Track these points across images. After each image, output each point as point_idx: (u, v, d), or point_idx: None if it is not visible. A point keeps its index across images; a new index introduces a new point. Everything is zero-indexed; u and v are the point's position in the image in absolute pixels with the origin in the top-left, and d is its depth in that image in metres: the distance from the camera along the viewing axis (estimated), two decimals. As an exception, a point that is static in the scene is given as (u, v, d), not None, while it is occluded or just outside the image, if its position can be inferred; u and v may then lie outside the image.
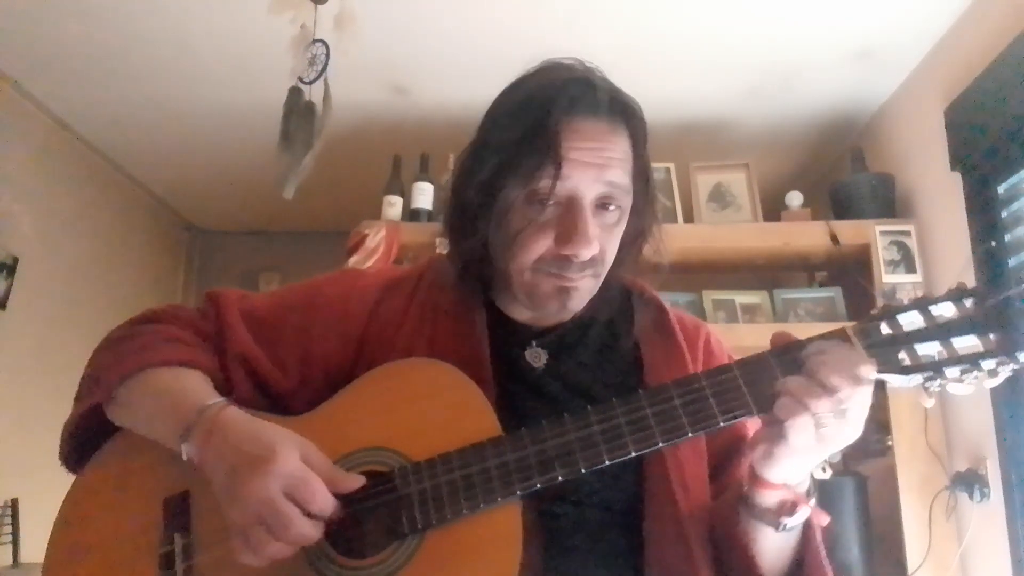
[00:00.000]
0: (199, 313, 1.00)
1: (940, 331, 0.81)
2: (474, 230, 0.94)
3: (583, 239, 0.87)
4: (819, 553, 0.88)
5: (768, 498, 0.83)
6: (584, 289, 0.92)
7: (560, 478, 0.81)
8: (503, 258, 0.93)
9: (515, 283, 0.94)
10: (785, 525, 0.83)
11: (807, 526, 0.88)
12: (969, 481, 2.11)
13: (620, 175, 0.90)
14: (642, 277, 1.05)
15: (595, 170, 0.88)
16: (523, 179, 0.88)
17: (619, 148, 0.90)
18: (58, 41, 2.45)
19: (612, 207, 0.91)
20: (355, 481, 0.82)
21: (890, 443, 2.28)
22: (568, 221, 0.88)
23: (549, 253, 0.89)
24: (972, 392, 0.82)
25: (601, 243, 0.90)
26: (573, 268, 0.89)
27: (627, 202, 0.92)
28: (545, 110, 0.88)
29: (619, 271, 0.98)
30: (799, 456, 0.79)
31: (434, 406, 0.86)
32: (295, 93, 2.06)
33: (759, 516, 0.85)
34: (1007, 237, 2.09)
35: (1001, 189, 2.12)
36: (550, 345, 0.97)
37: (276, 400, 0.95)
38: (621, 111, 0.92)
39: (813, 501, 0.84)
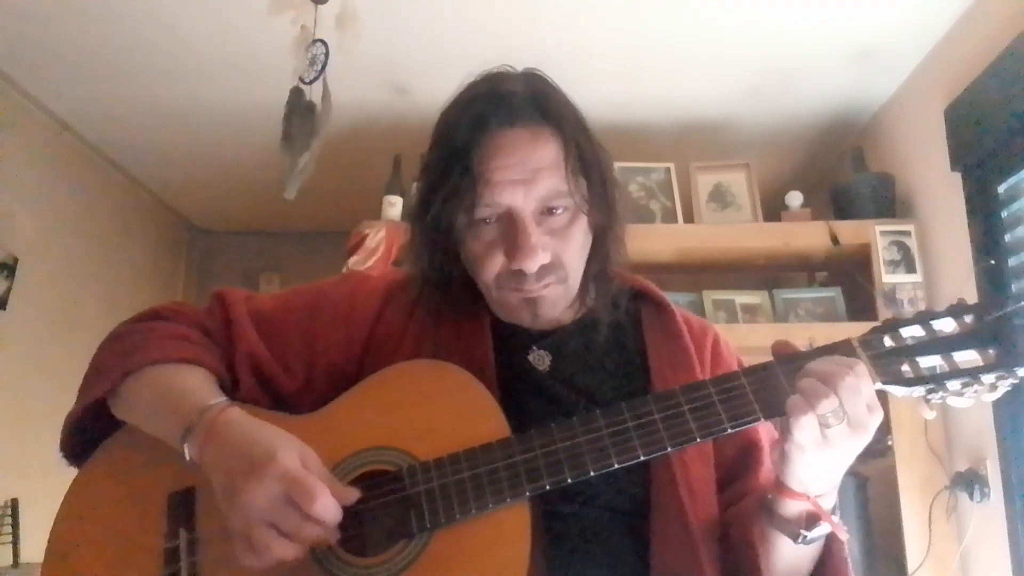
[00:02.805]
0: (205, 311, 1.00)
1: (941, 345, 0.83)
2: (421, 255, 0.96)
3: (525, 252, 0.87)
4: (845, 565, 0.88)
5: (789, 508, 0.83)
6: (552, 297, 0.92)
7: (569, 479, 0.81)
8: (472, 275, 0.95)
9: (488, 299, 0.96)
10: (805, 537, 0.83)
11: (832, 541, 0.87)
12: (969, 481, 2.11)
13: (553, 181, 0.88)
14: (639, 274, 1.05)
15: (523, 186, 0.87)
16: (451, 204, 0.89)
17: (547, 153, 0.89)
18: (58, 41, 2.45)
19: (558, 211, 0.90)
20: (351, 495, 0.80)
21: (890, 443, 2.28)
22: (510, 237, 0.88)
23: (504, 269, 0.90)
24: (972, 405, 0.84)
25: (555, 249, 0.90)
26: (529, 280, 0.89)
27: (572, 203, 0.90)
28: (456, 132, 0.89)
29: (598, 266, 0.98)
30: (810, 457, 0.79)
31: (442, 406, 0.86)
32: (296, 93, 2.06)
33: (779, 525, 0.84)
34: (1007, 237, 2.10)
35: (1001, 189, 2.13)
36: (553, 347, 0.97)
37: (281, 400, 0.95)
38: (540, 113, 0.90)
39: (837, 518, 0.84)
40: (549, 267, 0.90)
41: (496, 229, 0.90)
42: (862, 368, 0.79)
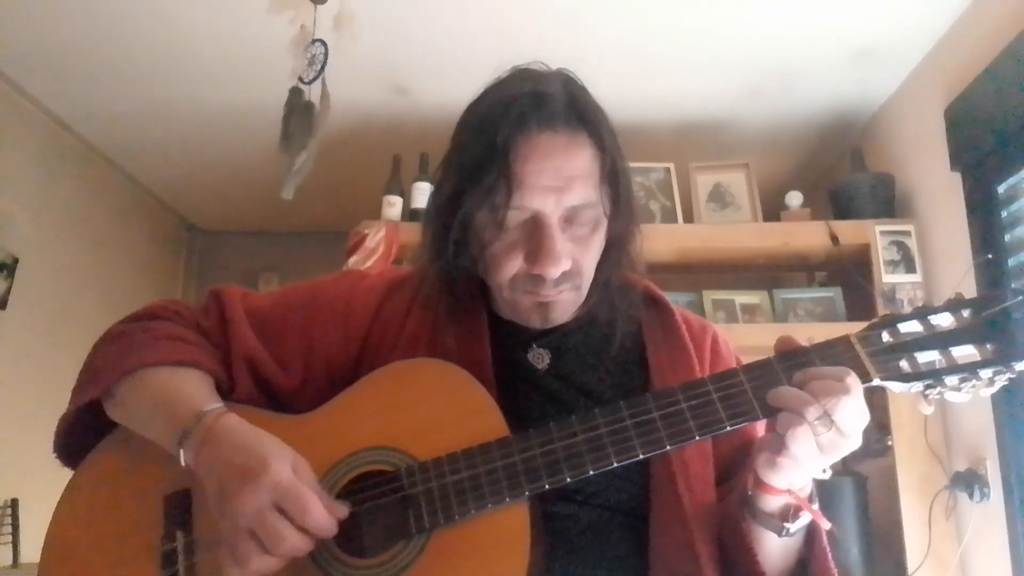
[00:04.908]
0: (201, 310, 0.99)
1: (939, 340, 0.83)
2: (445, 248, 0.93)
3: (550, 259, 0.86)
4: (825, 555, 0.88)
5: (772, 503, 0.83)
6: (564, 302, 0.92)
7: (568, 479, 0.81)
8: (484, 274, 0.94)
9: (498, 298, 0.95)
10: (788, 530, 0.83)
11: (812, 527, 0.87)
12: (969, 481, 2.11)
13: (584, 192, 0.87)
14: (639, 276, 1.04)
15: (555, 193, 0.86)
16: (482, 201, 0.87)
17: (580, 161, 0.88)
18: (58, 41, 2.45)
19: (584, 219, 0.89)
20: (339, 511, 0.80)
21: (890, 443, 2.28)
22: (534, 240, 0.87)
23: (521, 272, 0.89)
24: (969, 400, 0.84)
25: (575, 256, 0.89)
26: (547, 285, 0.88)
27: (598, 211, 0.90)
28: (495, 129, 0.86)
29: (609, 273, 0.97)
30: (802, 465, 0.79)
31: (440, 406, 0.86)
32: (296, 93, 2.06)
33: (762, 521, 0.84)
34: (1007, 237, 2.10)
35: (1001, 189, 2.13)
36: (552, 346, 0.97)
37: (279, 399, 0.95)
38: (579, 118, 0.89)
39: (816, 505, 0.84)
40: (567, 274, 0.89)
41: (519, 232, 0.88)
42: (853, 379, 0.78)
